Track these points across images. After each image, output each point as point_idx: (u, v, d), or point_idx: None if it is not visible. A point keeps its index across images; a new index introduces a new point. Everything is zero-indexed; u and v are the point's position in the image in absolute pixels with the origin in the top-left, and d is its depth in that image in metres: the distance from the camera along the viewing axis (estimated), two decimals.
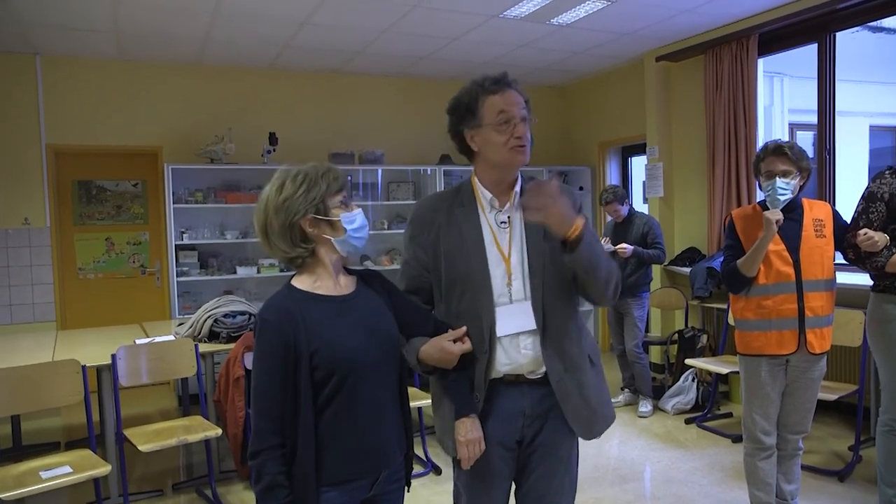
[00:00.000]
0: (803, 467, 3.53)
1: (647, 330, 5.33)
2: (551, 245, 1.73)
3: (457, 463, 1.79)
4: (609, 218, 5.03)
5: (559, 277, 1.76)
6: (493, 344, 1.74)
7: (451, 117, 1.80)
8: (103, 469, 2.90)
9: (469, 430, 1.71)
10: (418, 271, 1.84)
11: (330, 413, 1.56)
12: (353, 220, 1.64)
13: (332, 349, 1.55)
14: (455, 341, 1.70)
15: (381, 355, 1.63)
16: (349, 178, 6.25)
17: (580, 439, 1.87)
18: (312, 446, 1.52)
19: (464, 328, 1.73)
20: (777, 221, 2.59)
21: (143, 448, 3.12)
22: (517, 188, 1.81)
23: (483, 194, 1.81)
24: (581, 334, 1.83)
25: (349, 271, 1.72)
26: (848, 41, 4.89)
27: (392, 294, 1.75)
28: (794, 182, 2.65)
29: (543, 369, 1.76)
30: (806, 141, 5.98)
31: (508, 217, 1.80)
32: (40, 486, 2.73)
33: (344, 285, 1.67)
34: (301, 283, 1.64)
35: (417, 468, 3.82)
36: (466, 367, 1.74)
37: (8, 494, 2.65)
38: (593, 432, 1.84)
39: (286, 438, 1.52)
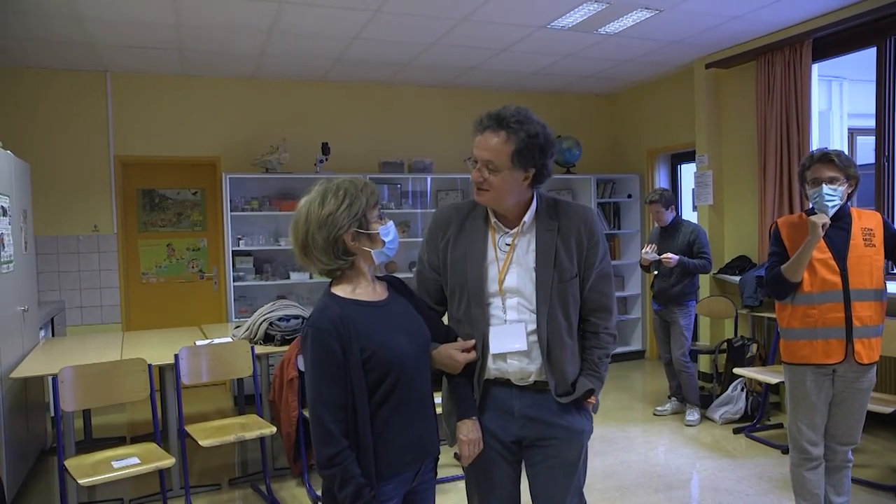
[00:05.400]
0: (858, 481, 3.48)
1: (695, 339, 5.27)
2: (559, 274, 1.84)
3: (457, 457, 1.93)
4: (655, 224, 5.01)
5: (563, 305, 1.86)
6: (486, 353, 1.87)
7: None
8: (168, 461, 3.08)
9: (470, 431, 1.86)
10: (430, 273, 1.98)
11: (385, 411, 1.66)
12: (389, 232, 1.75)
13: (384, 352, 1.64)
14: (463, 350, 1.84)
15: (420, 354, 1.75)
16: (398, 185, 6.40)
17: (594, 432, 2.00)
18: (371, 444, 1.62)
19: (472, 341, 1.86)
20: (823, 226, 2.57)
21: (203, 443, 3.29)
22: (527, 217, 1.88)
23: (492, 214, 1.91)
24: (576, 356, 1.93)
25: (378, 277, 1.83)
26: None
27: (413, 299, 1.87)
28: (842, 189, 2.63)
29: (532, 379, 1.88)
30: (867, 146, 5.82)
31: (513, 240, 1.89)
32: (113, 474, 2.93)
33: (379, 291, 1.78)
34: (342, 291, 1.72)
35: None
36: (469, 373, 1.88)
37: (85, 480, 2.85)
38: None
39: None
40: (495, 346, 1.86)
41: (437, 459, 1.88)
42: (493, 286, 1.87)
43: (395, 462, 1.68)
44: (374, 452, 1.63)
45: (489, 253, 1.89)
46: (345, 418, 1.60)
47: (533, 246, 1.87)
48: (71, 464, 3.05)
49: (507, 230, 1.90)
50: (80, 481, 2.84)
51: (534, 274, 1.85)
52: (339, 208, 1.66)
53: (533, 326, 1.85)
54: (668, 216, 4.83)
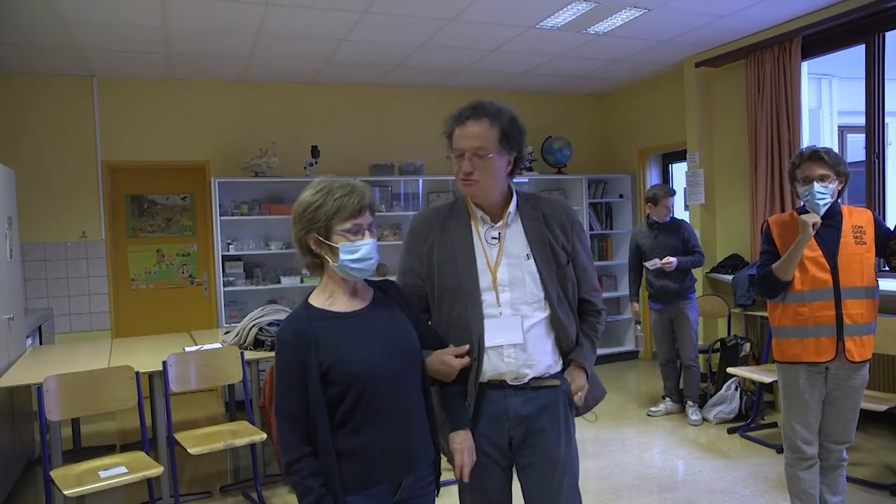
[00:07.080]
0: (853, 480, 3.47)
1: None
2: (556, 260, 1.86)
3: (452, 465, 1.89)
4: (639, 225, 5.01)
5: (563, 289, 1.89)
6: (482, 353, 1.83)
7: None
8: (156, 470, 3.04)
9: (463, 440, 1.82)
10: (413, 280, 1.93)
11: (351, 426, 1.60)
12: (355, 250, 1.61)
13: (344, 365, 1.59)
14: (457, 356, 1.80)
15: (400, 366, 1.66)
16: (389, 188, 6.35)
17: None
18: (333, 458, 1.58)
19: (467, 346, 1.82)
20: (814, 225, 2.56)
21: (192, 451, 3.25)
22: (511, 207, 1.89)
23: (475, 211, 1.90)
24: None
25: (368, 282, 1.77)
26: None
27: (404, 304, 1.80)
28: (833, 186, 2.62)
29: (527, 377, 1.86)
30: (857, 144, 5.83)
31: (500, 233, 1.87)
32: (99, 484, 2.89)
33: (359, 299, 1.71)
34: (317, 299, 1.69)
35: None
36: (462, 381, 1.84)
37: (71, 491, 2.81)
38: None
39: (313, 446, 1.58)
40: (490, 338, 1.82)
41: (438, 471, 1.82)
42: (485, 281, 1.84)
43: (363, 476, 1.62)
44: (339, 465, 1.59)
45: (477, 249, 1.87)
46: (303, 427, 1.58)
47: (522, 236, 1.87)
48: (57, 474, 3.00)
49: (492, 224, 1.89)
50: (65, 492, 2.80)
51: (526, 264, 1.85)
52: (307, 209, 1.64)
53: (531, 321, 1.84)
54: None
